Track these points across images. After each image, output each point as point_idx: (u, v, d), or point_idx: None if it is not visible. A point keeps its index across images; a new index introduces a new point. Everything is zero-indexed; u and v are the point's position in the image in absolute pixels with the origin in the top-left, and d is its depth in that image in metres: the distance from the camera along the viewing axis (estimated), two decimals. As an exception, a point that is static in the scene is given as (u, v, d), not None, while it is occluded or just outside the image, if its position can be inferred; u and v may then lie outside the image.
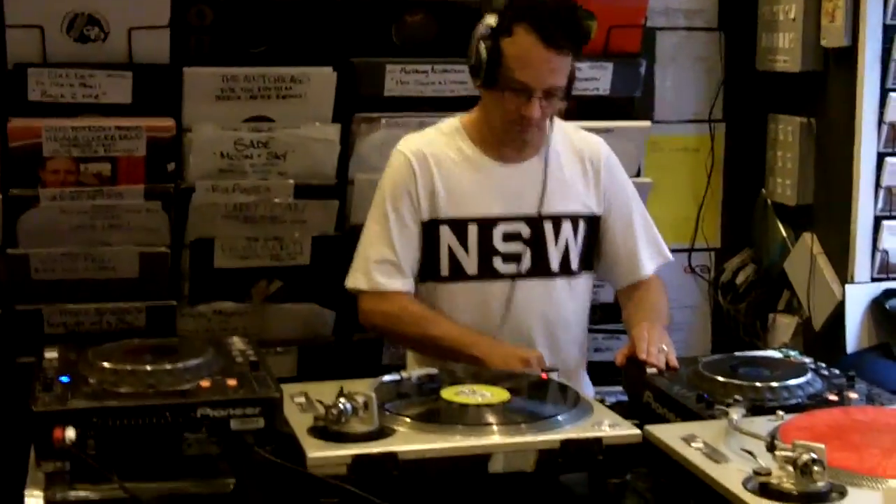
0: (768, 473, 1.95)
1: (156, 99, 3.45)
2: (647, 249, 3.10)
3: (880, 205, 3.74)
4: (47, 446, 2.08)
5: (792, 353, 2.82)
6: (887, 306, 3.72)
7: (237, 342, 2.53)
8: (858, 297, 3.77)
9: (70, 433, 2.06)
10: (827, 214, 3.91)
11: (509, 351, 2.84)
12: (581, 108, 3.55)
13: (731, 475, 2.01)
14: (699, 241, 4.31)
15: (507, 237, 2.97)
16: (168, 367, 2.25)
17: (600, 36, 3.46)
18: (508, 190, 2.97)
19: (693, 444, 2.15)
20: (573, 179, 3.02)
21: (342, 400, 2.17)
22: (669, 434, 2.22)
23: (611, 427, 2.23)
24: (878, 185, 3.73)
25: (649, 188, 3.80)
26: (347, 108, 3.61)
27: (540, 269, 2.99)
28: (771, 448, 2.00)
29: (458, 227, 2.95)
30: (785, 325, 4.09)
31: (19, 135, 3.34)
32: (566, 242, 3.00)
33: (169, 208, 3.52)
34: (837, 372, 2.63)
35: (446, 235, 2.95)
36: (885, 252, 3.76)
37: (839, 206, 3.80)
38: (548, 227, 2.99)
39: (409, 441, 2.15)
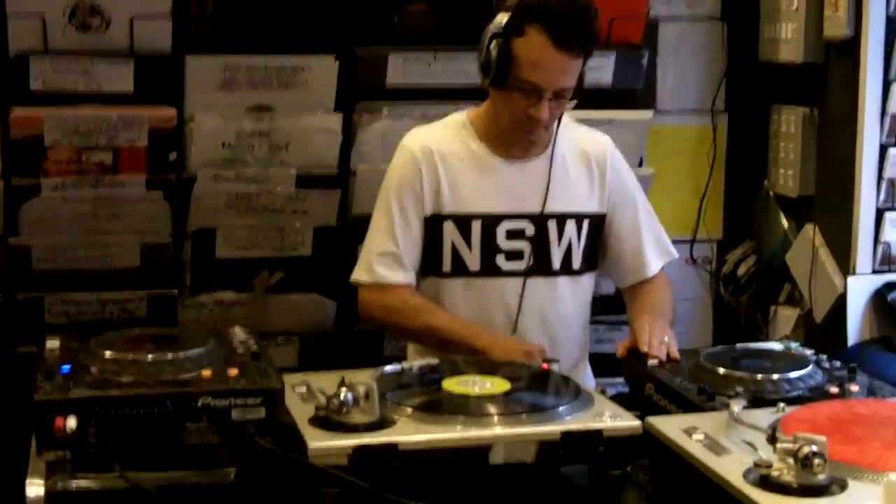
0: (769, 466, 1.95)
1: (157, 88, 3.45)
2: (653, 248, 3.09)
3: (882, 197, 3.74)
4: (48, 435, 2.08)
5: (793, 345, 2.82)
6: (889, 299, 3.72)
7: (238, 332, 2.53)
8: (860, 289, 3.76)
9: (71, 422, 2.07)
10: (829, 206, 3.91)
11: (510, 342, 2.85)
12: (583, 99, 3.55)
13: (731, 467, 2.00)
14: (701, 233, 4.30)
15: (511, 235, 2.97)
16: (169, 356, 2.26)
17: (602, 27, 3.46)
18: (513, 188, 2.97)
19: (694, 436, 2.15)
20: (578, 179, 3.01)
21: (343, 390, 2.17)
22: (670, 426, 2.21)
23: (612, 419, 2.23)
24: (880, 176, 3.72)
25: (651, 179, 3.80)
26: (349, 97, 3.61)
27: (542, 267, 2.99)
28: (772, 440, 2.00)
29: (462, 223, 2.94)
30: (786, 317, 4.09)
31: (21, 124, 3.34)
32: (569, 242, 3.00)
33: (170, 198, 3.52)
34: (839, 364, 2.62)
35: (450, 231, 2.95)
36: (887, 244, 3.76)
37: (841, 198, 3.79)
38: (551, 225, 2.98)
39: (410, 431, 2.15)
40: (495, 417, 2.23)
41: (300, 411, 2.23)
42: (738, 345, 2.79)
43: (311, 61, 3.52)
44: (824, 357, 2.67)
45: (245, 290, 3.73)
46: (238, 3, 3.52)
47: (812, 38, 3.85)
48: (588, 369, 3.17)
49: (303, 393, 2.34)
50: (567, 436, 2.18)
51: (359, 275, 2.98)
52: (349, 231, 3.65)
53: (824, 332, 3.85)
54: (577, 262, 3.01)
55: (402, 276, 2.94)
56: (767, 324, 4.19)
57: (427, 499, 2.04)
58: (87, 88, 3.39)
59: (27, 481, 2.10)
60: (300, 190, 3.61)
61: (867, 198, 3.73)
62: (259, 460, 2.17)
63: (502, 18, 2.83)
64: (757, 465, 1.96)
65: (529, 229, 2.97)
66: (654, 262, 3.09)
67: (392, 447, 2.10)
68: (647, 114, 3.92)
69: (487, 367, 2.53)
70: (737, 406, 2.20)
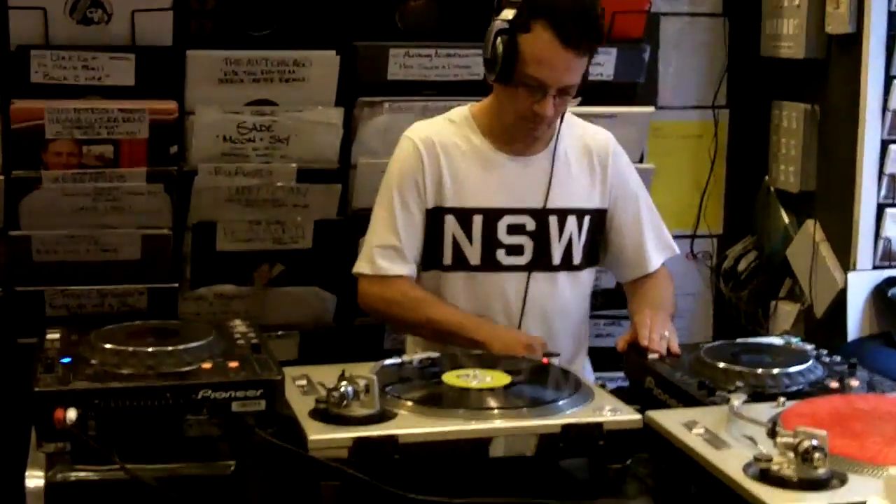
0: (769, 459, 1.95)
1: (159, 81, 3.45)
2: (654, 243, 3.09)
3: (883, 192, 3.74)
4: (48, 427, 2.08)
5: (793, 340, 2.82)
6: (889, 294, 3.72)
7: (239, 325, 2.53)
8: (860, 284, 3.77)
9: (71, 414, 2.07)
10: (829, 202, 3.91)
11: (511, 335, 2.85)
12: (584, 94, 3.55)
13: (731, 461, 2.00)
14: (701, 228, 4.31)
15: (512, 230, 2.97)
16: (170, 348, 2.26)
17: (604, 21, 3.45)
18: (515, 183, 2.96)
19: (694, 430, 2.15)
20: (580, 174, 3.01)
21: (344, 383, 2.17)
22: (670, 420, 2.21)
23: (612, 412, 2.23)
24: (881, 172, 3.73)
25: (652, 174, 3.80)
26: (350, 92, 3.60)
27: (542, 262, 2.98)
28: (772, 434, 2.00)
29: (463, 217, 2.94)
30: (787, 312, 4.09)
31: (22, 116, 3.34)
32: (570, 237, 2.99)
33: (171, 191, 3.52)
34: (839, 359, 2.62)
35: (451, 225, 2.94)
36: (888, 240, 3.76)
37: (842, 194, 3.80)
38: (552, 221, 2.98)
39: (410, 424, 2.15)
40: (495, 411, 2.23)
41: (300, 404, 2.23)
42: (739, 340, 2.80)
43: (312, 56, 3.51)
44: (824, 352, 2.67)
45: (245, 283, 3.73)
46: (239, -3, 3.53)
47: (813, 33, 3.86)
48: (587, 362, 3.16)
49: (303, 386, 2.34)
50: (567, 429, 2.18)
51: (360, 267, 2.97)
52: (349, 225, 3.66)
53: (825, 327, 3.85)
54: (577, 258, 3.01)
55: (404, 268, 2.94)
56: (768, 319, 4.20)
57: (427, 492, 2.04)
58: (89, 81, 3.39)
59: (27, 473, 2.10)
60: (301, 184, 3.61)
61: (868, 193, 3.73)
62: (259, 453, 2.17)
63: (508, 14, 2.81)
64: (757, 459, 1.96)
65: (530, 224, 2.97)
66: (655, 257, 3.09)
67: (392, 440, 2.10)
68: (648, 108, 3.92)
69: (487, 360, 2.53)
70: (737, 400, 2.20)
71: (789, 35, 3.95)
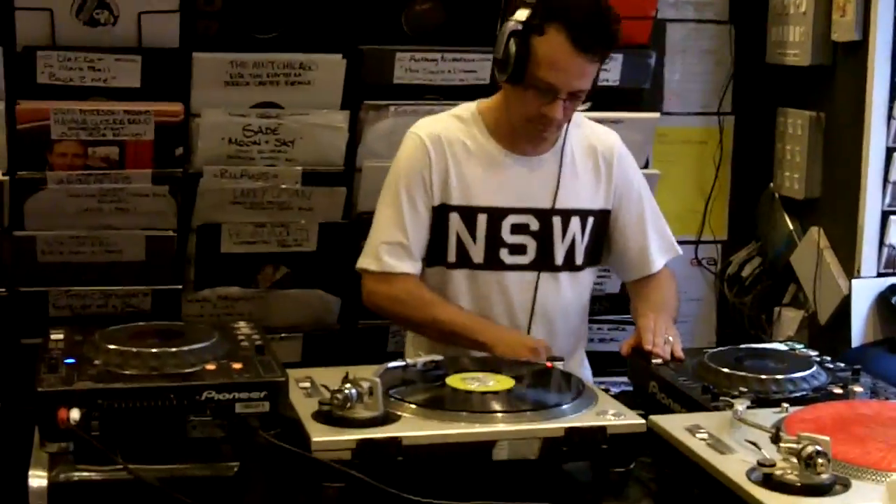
0: (772, 465, 1.95)
1: (164, 83, 3.45)
2: (658, 244, 3.09)
3: (888, 199, 3.73)
4: (51, 427, 2.08)
5: (797, 346, 2.82)
6: (893, 301, 3.71)
7: (243, 327, 2.52)
8: (864, 291, 3.76)
9: (74, 414, 2.07)
10: (834, 209, 3.91)
11: (516, 339, 2.85)
12: (590, 99, 3.55)
13: (735, 466, 2.01)
14: (706, 234, 4.30)
15: (516, 229, 2.96)
16: (173, 349, 2.26)
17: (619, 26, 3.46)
18: (521, 183, 2.96)
19: (697, 435, 2.15)
20: (585, 175, 3.01)
21: (347, 385, 2.17)
22: (674, 424, 2.22)
23: (615, 416, 2.24)
24: (886, 179, 3.72)
25: (657, 180, 3.80)
26: (356, 95, 3.60)
27: (545, 262, 2.98)
28: (775, 440, 2.00)
29: (468, 215, 2.94)
30: (790, 318, 4.09)
31: (27, 117, 3.34)
32: (573, 238, 2.99)
33: (176, 193, 3.52)
34: (842, 365, 2.62)
35: (455, 223, 2.94)
36: (892, 247, 3.76)
37: (847, 201, 3.79)
38: (556, 221, 2.98)
39: (413, 427, 2.16)
40: (499, 414, 2.23)
41: (304, 406, 2.24)
42: (743, 345, 2.80)
43: (318, 59, 3.51)
44: (828, 358, 2.67)
45: (249, 285, 3.73)
46: (245, 0, 3.52)
47: (820, 40, 3.85)
48: (584, 359, 3.16)
49: (306, 388, 2.35)
50: (571, 432, 2.18)
51: (366, 263, 2.96)
52: (355, 228, 3.65)
53: (828, 333, 3.85)
54: (579, 258, 3.01)
55: (410, 266, 2.93)
56: (771, 325, 4.19)
57: (430, 495, 2.04)
58: (95, 83, 3.39)
59: (30, 473, 2.10)
60: (306, 186, 3.61)
61: (873, 200, 3.72)
62: (262, 454, 2.17)
63: (523, 14, 2.79)
64: (760, 464, 1.96)
65: (534, 224, 2.96)
66: (658, 258, 3.09)
67: (395, 442, 2.11)
68: (653, 114, 3.92)
69: (491, 363, 2.53)
70: (740, 405, 2.20)
71: (795, 42, 3.95)
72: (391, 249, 2.92)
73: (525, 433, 2.18)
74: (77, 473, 2.10)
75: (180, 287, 3.67)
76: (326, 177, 3.63)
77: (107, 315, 3.56)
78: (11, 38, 3.33)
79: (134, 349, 2.24)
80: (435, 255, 2.96)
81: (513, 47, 2.78)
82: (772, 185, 4.22)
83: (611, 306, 3.81)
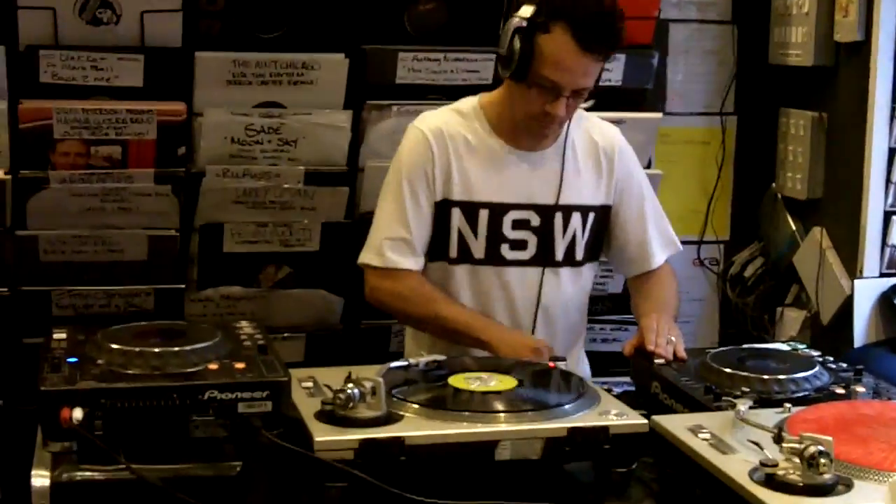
0: (775, 465, 1.95)
1: (167, 83, 3.45)
2: (658, 240, 3.09)
3: (890, 200, 3.73)
4: (54, 426, 2.08)
5: (800, 346, 2.82)
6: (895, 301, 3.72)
7: (246, 326, 2.53)
8: (867, 291, 3.76)
9: (77, 413, 2.07)
10: (836, 209, 3.91)
11: (518, 339, 2.85)
12: (593, 96, 3.56)
13: (737, 466, 2.01)
14: (708, 234, 4.30)
15: (517, 225, 2.96)
16: (176, 349, 2.26)
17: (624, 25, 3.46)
18: (523, 178, 2.96)
19: (700, 435, 2.15)
20: (586, 171, 3.01)
21: (350, 385, 2.17)
22: (676, 424, 2.22)
23: (618, 416, 2.24)
24: (888, 180, 3.72)
25: (659, 180, 3.80)
26: (359, 95, 3.60)
27: (545, 258, 2.98)
28: (778, 440, 2.00)
29: (470, 210, 2.93)
30: (793, 318, 4.09)
31: (30, 116, 3.34)
32: (574, 234, 2.99)
33: (179, 192, 3.52)
34: (845, 366, 2.62)
35: (457, 218, 2.94)
36: (895, 247, 3.76)
37: (849, 201, 3.79)
38: (558, 217, 2.98)
39: (416, 427, 2.16)
40: (501, 414, 2.23)
41: (306, 406, 2.24)
42: (745, 345, 2.80)
43: (320, 59, 3.51)
44: (830, 358, 2.67)
45: (252, 285, 3.73)
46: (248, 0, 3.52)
47: (822, 41, 3.85)
48: (583, 355, 3.16)
49: (309, 388, 2.35)
50: (573, 433, 2.18)
51: (369, 258, 2.96)
52: (357, 227, 3.65)
53: (831, 334, 3.85)
54: (579, 254, 3.00)
55: (413, 261, 2.93)
56: (774, 325, 4.19)
57: (432, 494, 2.04)
58: (97, 82, 3.39)
59: (33, 472, 2.10)
60: (308, 186, 3.61)
61: (875, 201, 3.73)
62: (265, 454, 2.17)
63: (527, 10, 2.78)
64: (763, 464, 1.96)
65: (535, 220, 2.96)
66: (659, 254, 3.09)
67: (398, 442, 2.11)
68: (656, 115, 3.92)
69: (494, 363, 2.53)
70: (743, 406, 2.21)
71: (798, 43, 3.95)
72: (394, 245, 2.92)
73: (527, 433, 2.18)
74: (80, 473, 2.10)
75: (183, 287, 3.67)
76: (329, 177, 3.63)
77: (109, 314, 3.56)
78: (14, 37, 3.33)
79: (137, 349, 2.25)
80: (436, 250, 2.96)
81: (517, 44, 2.77)
82: (774, 185, 4.22)
83: (613, 306, 3.81)
